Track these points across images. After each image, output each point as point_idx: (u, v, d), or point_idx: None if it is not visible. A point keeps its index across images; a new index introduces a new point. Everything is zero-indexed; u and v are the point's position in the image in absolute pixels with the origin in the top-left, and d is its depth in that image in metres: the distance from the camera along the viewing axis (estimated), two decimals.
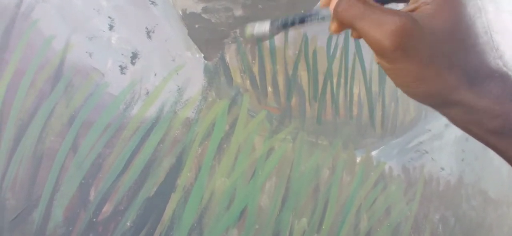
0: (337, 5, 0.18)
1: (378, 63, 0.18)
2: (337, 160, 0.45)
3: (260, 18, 0.42)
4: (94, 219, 0.35)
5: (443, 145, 0.53)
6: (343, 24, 0.18)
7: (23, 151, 0.33)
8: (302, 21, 0.21)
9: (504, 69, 0.17)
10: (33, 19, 0.34)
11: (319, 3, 0.21)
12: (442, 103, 0.18)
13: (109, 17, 0.37)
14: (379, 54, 0.17)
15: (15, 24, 0.34)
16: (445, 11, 0.16)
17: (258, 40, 0.42)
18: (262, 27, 0.22)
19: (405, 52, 0.16)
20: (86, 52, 0.36)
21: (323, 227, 0.43)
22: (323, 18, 0.20)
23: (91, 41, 0.36)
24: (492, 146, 0.17)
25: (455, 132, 0.55)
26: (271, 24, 0.22)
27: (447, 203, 0.53)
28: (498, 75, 0.17)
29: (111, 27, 0.37)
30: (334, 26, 0.19)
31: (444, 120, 0.65)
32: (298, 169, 0.43)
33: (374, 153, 0.48)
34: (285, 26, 0.22)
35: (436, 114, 0.62)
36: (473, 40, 0.17)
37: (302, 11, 0.22)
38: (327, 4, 0.19)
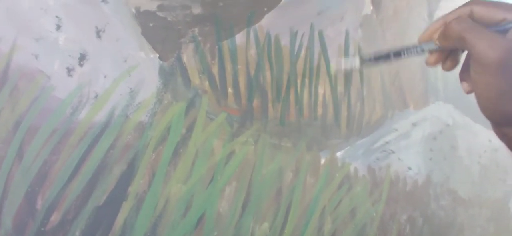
0: (451, 25, 0.21)
1: (469, 82, 0.21)
2: (300, 162, 0.45)
3: (220, 17, 0.41)
4: (42, 229, 0.34)
5: (410, 145, 0.54)
6: (449, 41, 0.21)
7: None
8: (398, 55, 0.23)
9: None
10: None
11: (419, 37, 0.23)
12: (509, 121, 0.20)
13: (57, 16, 0.35)
14: (480, 66, 0.19)
15: None
16: None
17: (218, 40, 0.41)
18: (350, 62, 0.23)
19: (504, 67, 0.19)
20: (32, 54, 0.34)
21: (286, 231, 0.43)
22: (422, 50, 0.22)
23: (38, 43, 0.35)
24: None
25: (422, 131, 0.56)
26: (361, 60, 0.23)
27: (415, 203, 0.54)
28: None
29: (58, 27, 0.35)
30: (431, 57, 0.23)
31: (411, 119, 0.66)
32: (260, 173, 0.42)
33: (339, 154, 0.48)
34: (378, 60, 0.23)
35: (403, 114, 0.63)
36: None
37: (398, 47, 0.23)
38: (429, 38, 0.23)
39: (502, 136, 0.22)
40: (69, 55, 0.36)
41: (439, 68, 0.67)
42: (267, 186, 0.43)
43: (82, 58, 0.36)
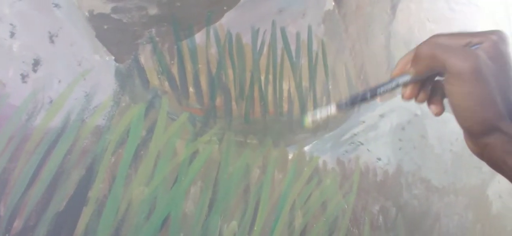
0: (420, 48, 0.22)
1: (450, 93, 0.22)
2: (268, 158, 0.45)
3: (178, 17, 0.42)
4: (7, 235, 0.34)
5: (379, 136, 0.55)
6: (423, 63, 0.23)
7: None
8: (374, 94, 0.23)
9: None
10: None
11: (392, 73, 0.24)
12: (488, 129, 0.22)
13: (11, 24, 0.35)
14: (455, 76, 0.21)
15: None
16: (498, 57, 0.21)
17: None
18: (326, 111, 0.23)
19: (478, 75, 0.21)
20: None
21: (255, 228, 0.43)
22: (397, 85, 0.23)
23: None
24: None
25: (390, 121, 0.57)
26: (338, 107, 0.23)
27: (387, 193, 0.54)
28: None
29: (12, 35, 0.35)
30: (406, 90, 0.24)
31: (378, 110, 0.67)
32: (226, 171, 0.43)
33: (307, 148, 0.49)
34: (354, 103, 0.23)
35: (370, 106, 0.64)
36: None
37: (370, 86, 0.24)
38: (401, 72, 0.24)
39: (482, 151, 0.23)
40: (23, 62, 0.36)
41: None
42: (234, 184, 0.43)
43: (36, 63, 0.36)
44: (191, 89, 0.43)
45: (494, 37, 0.22)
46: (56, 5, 0.37)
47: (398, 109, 0.58)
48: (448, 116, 0.71)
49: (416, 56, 0.23)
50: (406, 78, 0.23)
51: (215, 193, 0.42)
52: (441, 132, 0.62)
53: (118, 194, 0.38)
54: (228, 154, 0.43)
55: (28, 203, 0.35)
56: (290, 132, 0.48)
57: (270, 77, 0.47)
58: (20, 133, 0.35)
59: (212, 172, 0.42)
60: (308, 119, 0.25)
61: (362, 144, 0.53)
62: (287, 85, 0.48)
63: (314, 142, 0.50)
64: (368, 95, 0.23)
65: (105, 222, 0.37)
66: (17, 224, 0.34)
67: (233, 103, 0.45)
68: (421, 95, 0.24)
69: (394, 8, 0.61)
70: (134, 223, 0.38)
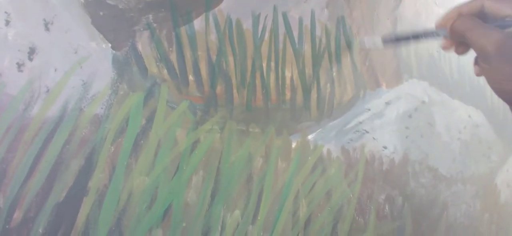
0: (454, 22, 0.26)
1: (479, 68, 0.25)
2: (270, 147, 0.45)
3: (176, 2, 0.41)
4: (7, 226, 0.34)
5: (384, 124, 0.54)
6: (456, 36, 0.26)
7: None
8: (416, 37, 0.27)
9: None
10: None
11: (436, 23, 0.28)
12: None
13: (6, 12, 0.35)
14: (483, 57, 0.24)
15: None
16: None
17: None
18: (372, 42, 0.28)
19: (502, 56, 0.23)
20: None
21: (259, 217, 0.43)
22: (437, 35, 0.27)
23: None
24: None
25: (397, 109, 0.56)
26: (383, 40, 0.28)
27: (393, 182, 0.54)
28: None
29: (7, 23, 0.35)
30: (445, 42, 0.28)
31: (384, 98, 0.65)
32: (227, 160, 0.42)
33: (310, 137, 0.48)
34: (399, 40, 0.28)
35: (375, 93, 0.62)
36: None
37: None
38: (444, 25, 0.27)
39: None
40: (18, 50, 0.35)
41: (411, 46, 0.67)
42: (237, 173, 0.43)
43: (32, 52, 0.35)
44: (190, 77, 0.42)
45: None
46: None
47: (405, 96, 0.57)
48: (457, 104, 0.69)
49: (452, 29, 0.26)
50: (445, 33, 0.27)
51: (217, 182, 0.42)
52: (449, 120, 0.61)
53: (118, 184, 0.37)
54: (230, 143, 0.43)
55: (27, 194, 0.34)
56: (293, 120, 0.47)
57: (272, 64, 0.46)
58: (18, 123, 0.35)
59: (214, 161, 0.42)
60: (357, 46, 0.31)
61: (367, 132, 0.52)
62: (290, 72, 0.47)
63: (318, 130, 0.49)
64: (411, 37, 0.27)
65: (106, 213, 0.37)
66: (17, 215, 0.34)
67: (234, 91, 0.44)
68: (461, 48, 0.27)
69: None
70: (135, 213, 0.38)
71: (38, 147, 0.35)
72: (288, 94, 0.47)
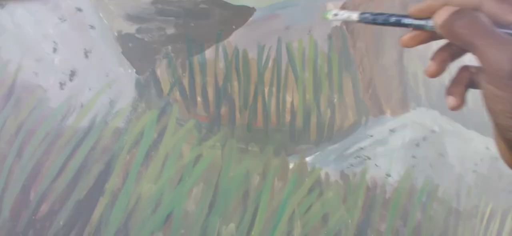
0: (455, 19, 0.18)
1: (484, 92, 0.18)
2: (268, 166, 0.48)
3: (192, 36, 0.48)
4: (34, 217, 0.41)
5: (388, 151, 0.54)
6: (453, 37, 0.18)
7: None
8: (398, 21, 0.20)
9: None
10: None
11: (410, 11, 0.20)
12: None
13: (54, 41, 0.45)
14: (493, 76, 0.17)
15: None
16: None
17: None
18: (347, 15, 0.22)
19: None
20: (33, 72, 0.43)
21: (253, 233, 0.46)
22: (421, 26, 0.19)
23: (38, 63, 0.44)
24: None
25: (402, 137, 0.56)
26: (360, 16, 0.21)
27: (396, 212, 0.53)
28: None
29: (55, 50, 0.45)
30: (434, 67, 0.19)
31: (388, 125, 0.67)
32: (226, 175, 0.46)
33: (308, 159, 0.50)
34: (376, 20, 0.21)
35: (378, 120, 0.64)
36: None
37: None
38: (426, 14, 0.19)
39: None
40: (62, 72, 0.44)
41: (419, 73, 0.68)
42: (234, 188, 0.47)
43: (72, 74, 0.45)
44: (199, 99, 0.48)
45: None
46: (92, 27, 0.46)
47: (412, 124, 0.57)
48: (472, 135, 0.68)
49: (449, 31, 0.18)
50: (431, 24, 0.19)
51: (215, 195, 0.46)
52: (463, 151, 0.59)
53: (129, 188, 0.43)
54: (230, 159, 0.47)
55: (54, 191, 0.42)
56: (292, 142, 0.50)
57: (274, 89, 0.51)
58: (55, 131, 0.43)
59: (214, 175, 0.46)
60: (329, 14, 0.23)
61: (369, 158, 0.53)
62: (291, 97, 0.52)
63: (316, 153, 0.51)
64: (393, 19, 0.20)
65: (117, 213, 0.43)
66: (44, 208, 0.41)
67: (237, 112, 0.49)
68: (433, 67, 0.19)
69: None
70: (141, 216, 0.43)
71: (68, 152, 0.43)
72: (287, 117, 0.51)
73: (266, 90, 0.51)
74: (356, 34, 0.57)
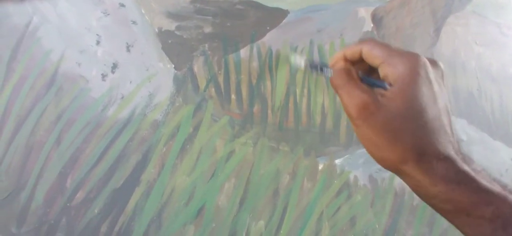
0: (331, 77, 0.24)
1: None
2: (298, 166, 0.51)
3: (228, 35, 0.51)
4: (68, 204, 0.44)
5: None
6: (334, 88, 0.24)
7: (18, 142, 0.43)
8: (321, 70, 0.25)
9: (452, 153, 0.21)
10: (37, 37, 0.46)
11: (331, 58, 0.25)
12: (396, 171, 0.22)
13: (97, 34, 0.48)
14: (349, 118, 0.23)
15: (23, 41, 0.45)
16: (399, 98, 0.21)
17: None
18: (299, 61, 0.25)
19: (364, 121, 0.22)
20: (76, 62, 0.47)
21: (281, 231, 0.48)
22: (327, 75, 0.25)
23: (81, 54, 0.47)
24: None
25: None
26: (306, 63, 0.26)
27: (423, 219, 0.54)
28: (444, 158, 0.21)
29: (98, 43, 0.48)
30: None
31: None
32: (257, 172, 0.49)
33: (338, 161, 0.52)
34: (312, 68, 0.26)
35: None
36: (423, 124, 0.21)
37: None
38: (333, 63, 0.25)
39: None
40: (104, 64, 0.47)
41: (449, 82, 0.69)
42: (264, 186, 0.49)
43: (114, 67, 0.48)
44: (233, 96, 0.51)
45: (400, 68, 0.21)
46: (134, 22, 0.49)
47: None
48: (498, 145, 0.69)
49: (331, 81, 0.23)
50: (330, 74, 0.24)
51: (246, 191, 0.48)
52: (489, 161, 0.60)
53: (165, 180, 0.46)
54: (261, 157, 0.50)
55: (92, 179, 0.45)
56: (321, 144, 0.53)
57: (305, 90, 0.53)
58: (95, 120, 0.46)
59: (245, 171, 0.49)
60: (291, 58, 0.26)
61: None
62: (322, 99, 0.54)
63: (345, 156, 0.53)
64: (319, 68, 0.25)
65: (152, 203, 0.45)
66: (80, 195, 0.44)
67: (269, 111, 0.52)
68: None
69: (437, 30, 0.63)
70: (175, 208, 0.46)
71: (108, 141, 0.46)
72: (318, 119, 0.53)
73: (298, 91, 0.53)
74: (387, 39, 0.60)
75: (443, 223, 0.56)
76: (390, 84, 0.22)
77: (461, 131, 0.60)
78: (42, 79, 0.45)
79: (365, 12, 0.58)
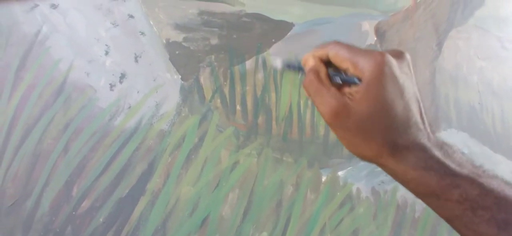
0: (304, 80, 0.25)
1: None
2: (301, 177, 0.51)
3: (234, 46, 0.52)
4: (74, 213, 0.44)
5: None
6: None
7: (25, 150, 0.44)
8: (300, 68, 0.27)
9: (423, 141, 0.23)
10: (46, 46, 0.47)
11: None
12: (375, 163, 0.24)
13: (106, 44, 0.49)
14: (325, 121, 0.24)
15: (32, 50, 0.46)
16: (366, 100, 0.23)
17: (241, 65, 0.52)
18: (277, 63, 0.27)
19: (337, 124, 0.23)
20: (85, 72, 0.48)
21: None
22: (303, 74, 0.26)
23: (90, 64, 0.48)
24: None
25: None
26: (283, 63, 0.27)
27: (425, 231, 0.55)
28: (415, 146, 0.22)
29: (106, 53, 0.49)
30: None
31: None
32: (261, 183, 0.50)
33: (340, 173, 0.53)
34: (289, 67, 0.27)
35: None
36: (392, 119, 0.23)
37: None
38: (304, 64, 0.26)
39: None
40: (113, 74, 0.49)
41: (451, 95, 0.70)
42: (268, 197, 0.50)
43: (122, 77, 0.49)
44: (238, 107, 0.52)
45: (365, 70, 0.22)
46: (142, 33, 0.50)
47: None
48: (499, 158, 0.70)
49: (303, 85, 0.25)
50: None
51: (250, 202, 0.49)
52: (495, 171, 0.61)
53: (170, 189, 0.47)
54: (265, 168, 0.51)
55: (97, 188, 0.45)
56: (325, 155, 0.53)
57: (309, 102, 0.54)
58: (102, 130, 0.47)
59: (249, 182, 0.50)
60: (275, 62, 0.28)
61: None
62: None
63: (348, 168, 0.54)
64: (295, 67, 0.26)
65: (157, 212, 0.46)
66: (85, 204, 0.45)
67: (273, 122, 0.53)
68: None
69: (440, 44, 0.65)
70: (179, 217, 0.46)
71: (114, 151, 0.46)
72: (322, 130, 0.54)
73: (302, 102, 0.54)
74: None
75: (444, 235, 0.57)
76: (360, 79, 0.23)
77: (462, 143, 0.61)
78: (51, 88, 0.46)
79: (368, 26, 0.59)
